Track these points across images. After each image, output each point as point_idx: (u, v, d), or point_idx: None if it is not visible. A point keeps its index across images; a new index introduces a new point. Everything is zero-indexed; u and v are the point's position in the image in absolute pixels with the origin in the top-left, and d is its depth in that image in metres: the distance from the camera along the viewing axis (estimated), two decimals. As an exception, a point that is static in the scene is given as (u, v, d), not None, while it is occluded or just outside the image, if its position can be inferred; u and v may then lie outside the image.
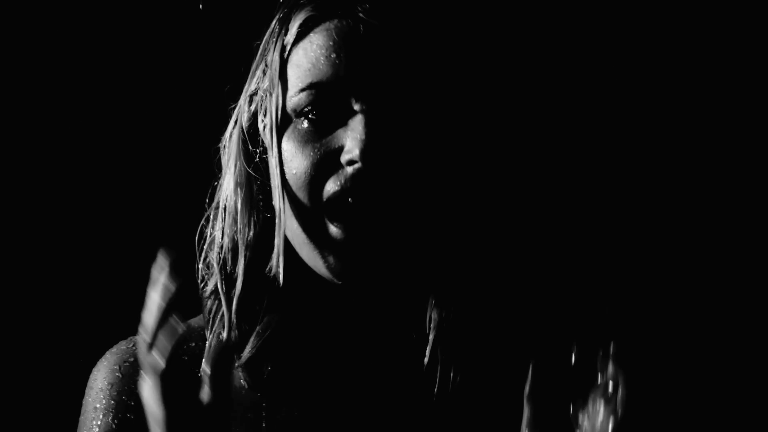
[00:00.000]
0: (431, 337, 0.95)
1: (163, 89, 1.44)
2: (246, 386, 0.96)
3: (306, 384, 0.97)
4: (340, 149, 0.91)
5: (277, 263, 0.95)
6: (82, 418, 0.99)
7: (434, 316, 0.96)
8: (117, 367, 0.98)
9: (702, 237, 1.44)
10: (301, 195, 0.92)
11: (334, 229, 0.91)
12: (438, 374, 0.95)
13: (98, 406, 0.97)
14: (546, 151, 1.41)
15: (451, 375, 0.95)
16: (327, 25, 0.93)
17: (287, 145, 0.94)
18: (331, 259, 0.91)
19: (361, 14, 0.91)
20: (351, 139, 0.89)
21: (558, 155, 1.42)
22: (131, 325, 1.06)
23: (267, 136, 0.96)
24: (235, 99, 1.03)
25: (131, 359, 0.98)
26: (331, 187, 0.90)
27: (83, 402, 0.99)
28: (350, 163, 0.89)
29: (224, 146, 1.02)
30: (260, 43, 1.01)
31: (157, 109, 1.44)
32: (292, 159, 0.93)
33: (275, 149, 0.94)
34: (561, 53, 1.43)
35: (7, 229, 1.43)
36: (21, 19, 1.44)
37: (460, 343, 0.96)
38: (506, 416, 0.96)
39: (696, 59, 1.44)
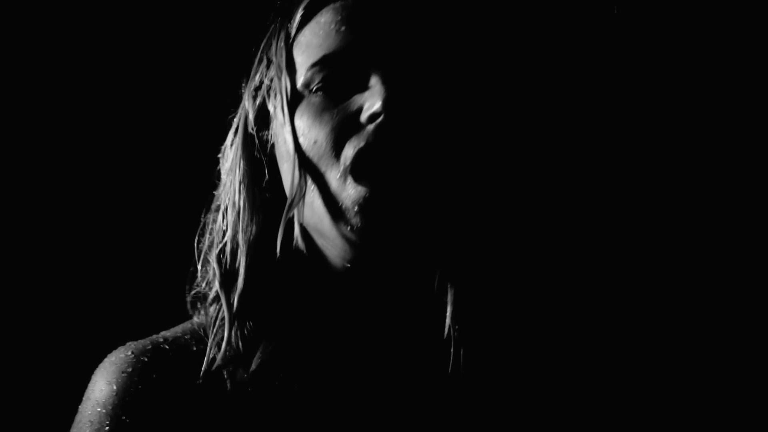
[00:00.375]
0: (449, 310, 0.92)
1: (163, 93, 1.45)
2: (256, 396, 0.94)
3: (320, 391, 0.94)
4: (359, 111, 0.90)
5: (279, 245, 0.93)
6: (78, 426, 0.96)
7: (450, 290, 0.93)
8: (115, 379, 0.95)
9: (702, 237, 1.44)
10: (323, 163, 0.90)
11: (359, 188, 0.88)
12: (453, 356, 0.93)
13: (93, 420, 0.94)
14: (570, 112, 1.34)
15: (466, 357, 0.93)
16: (333, 5, 0.94)
17: (302, 119, 0.93)
18: (356, 219, 0.88)
19: None
20: (371, 97, 0.89)
21: (580, 115, 1.36)
22: (129, 326, 1.08)
23: (279, 115, 0.95)
24: (235, 107, 1.04)
25: (129, 369, 0.96)
26: (352, 147, 0.89)
27: (79, 408, 0.98)
28: (372, 118, 0.88)
29: (224, 154, 1.02)
30: (258, 49, 1.02)
31: (156, 115, 1.45)
32: (310, 130, 0.91)
33: (288, 126, 0.93)
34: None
35: (5, 230, 1.43)
36: (22, 22, 1.43)
37: (476, 321, 0.94)
38: (521, 400, 0.96)
39: (698, 59, 1.43)
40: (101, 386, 0.96)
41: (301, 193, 0.92)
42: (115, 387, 0.95)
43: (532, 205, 1.00)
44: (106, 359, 0.99)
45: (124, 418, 0.93)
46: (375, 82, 0.90)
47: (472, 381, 0.94)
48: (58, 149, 1.44)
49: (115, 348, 1.00)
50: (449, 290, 0.93)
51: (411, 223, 0.89)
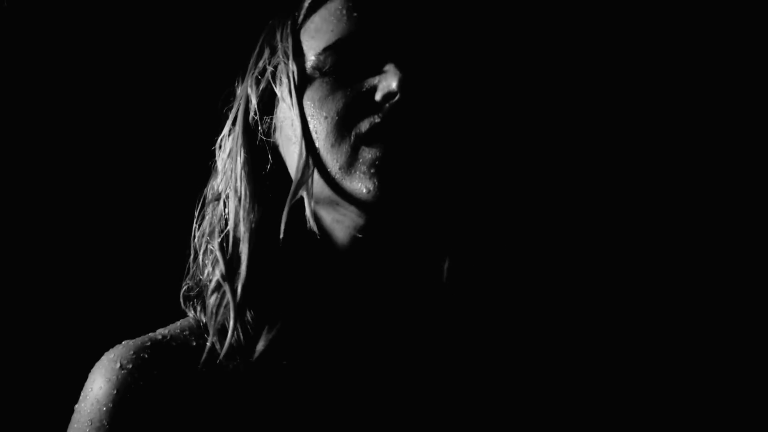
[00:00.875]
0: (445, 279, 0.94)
1: (157, 88, 1.44)
2: (261, 381, 0.94)
3: (324, 375, 0.95)
4: (372, 90, 0.91)
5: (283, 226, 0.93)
6: (77, 424, 0.95)
7: (447, 264, 0.95)
8: (114, 376, 0.95)
9: (701, 236, 1.44)
10: (333, 136, 0.91)
11: (373, 150, 0.90)
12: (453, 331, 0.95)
13: (93, 418, 0.94)
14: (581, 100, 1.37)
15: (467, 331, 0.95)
16: None
17: (312, 99, 0.93)
18: (372, 180, 0.89)
19: None
20: (387, 77, 0.90)
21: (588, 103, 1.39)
22: (122, 324, 1.08)
23: (287, 98, 0.96)
24: (229, 101, 1.04)
25: (129, 366, 0.95)
26: (366, 124, 0.90)
27: (76, 407, 0.97)
28: (387, 97, 0.90)
29: (222, 145, 1.03)
30: (257, 41, 1.03)
31: (147, 110, 1.44)
32: (321, 108, 0.92)
33: (296, 108, 0.94)
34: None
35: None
36: (17, 18, 1.43)
37: (476, 297, 0.96)
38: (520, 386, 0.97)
39: (698, 59, 1.43)
40: (100, 384, 0.95)
41: (309, 172, 0.93)
42: (115, 384, 0.94)
43: (530, 187, 1.02)
44: (104, 357, 0.98)
45: (125, 415, 0.93)
46: (390, 65, 0.91)
47: (470, 356, 0.95)
48: (51, 144, 1.43)
49: (109, 346, 1.00)
50: (446, 260, 0.95)
51: (423, 185, 0.90)
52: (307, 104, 0.94)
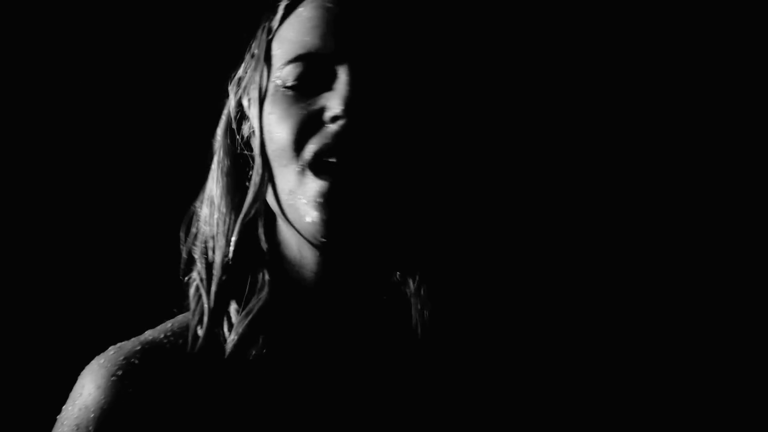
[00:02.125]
0: (414, 303, 0.96)
1: (154, 86, 1.44)
2: (234, 372, 0.94)
3: (294, 365, 0.95)
4: (323, 110, 0.91)
5: (237, 233, 0.96)
6: (62, 428, 0.94)
7: (413, 283, 0.96)
8: (104, 382, 0.94)
9: (698, 236, 1.44)
10: (285, 157, 0.92)
11: (320, 183, 0.90)
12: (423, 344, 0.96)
13: (80, 424, 0.93)
14: (534, 116, 1.42)
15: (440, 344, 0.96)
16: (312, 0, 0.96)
17: (272, 114, 0.94)
18: (316, 214, 0.90)
19: None
20: (334, 98, 0.90)
21: (544, 122, 1.43)
22: (113, 325, 1.08)
23: (252, 109, 0.97)
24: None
25: (119, 372, 0.94)
26: (314, 145, 0.91)
27: (63, 409, 0.96)
28: (334, 119, 0.90)
29: (216, 142, 1.03)
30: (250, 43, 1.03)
31: (149, 106, 1.44)
32: (277, 124, 0.93)
33: (257, 120, 0.95)
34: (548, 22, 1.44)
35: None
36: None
37: (444, 310, 0.96)
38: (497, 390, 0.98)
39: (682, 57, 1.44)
40: (90, 390, 0.94)
41: (263, 191, 0.95)
42: (104, 391, 0.93)
43: (477, 197, 1.04)
44: (93, 362, 0.97)
45: (113, 422, 0.92)
46: (340, 83, 0.91)
47: (435, 350, 0.96)
48: (46, 143, 1.43)
49: (98, 347, 0.99)
50: (410, 279, 0.96)
51: (369, 215, 0.91)
52: (269, 119, 0.94)
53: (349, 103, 0.89)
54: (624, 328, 1.40)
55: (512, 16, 1.42)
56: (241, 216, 0.96)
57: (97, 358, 0.97)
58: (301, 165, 0.91)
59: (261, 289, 0.96)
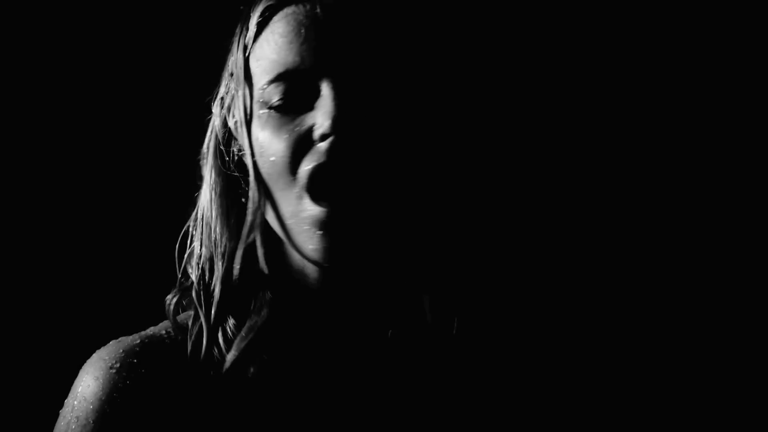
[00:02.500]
0: (429, 315, 0.96)
1: (149, 96, 1.45)
2: (232, 387, 0.95)
3: (292, 383, 0.96)
4: (312, 129, 0.91)
5: (237, 261, 0.96)
6: (63, 421, 0.96)
7: (428, 298, 0.96)
8: (102, 374, 0.95)
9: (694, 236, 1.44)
10: (282, 180, 0.92)
11: (318, 209, 0.90)
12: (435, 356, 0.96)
13: (79, 416, 0.94)
14: (520, 127, 1.41)
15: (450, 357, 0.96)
16: (286, 11, 0.94)
17: (261, 136, 0.94)
18: (318, 241, 0.90)
19: None
20: (321, 115, 0.90)
21: (531, 129, 1.42)
22: (116, 321, 1.09)
23: (239, 132, 0.97)
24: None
25: (117, 365, 0.96)
26: (307, 165, 0.90)
27: (65, 402, 0.97)
28: (323, 138, 0.89)
29: (203, 157, 1.03)
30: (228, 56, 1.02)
31: (144, 116, 1.45)
32: (269, 147, 0.93)
33: (247, 143, 0.95)
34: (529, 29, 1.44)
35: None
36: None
37: (456, 326, 0.96)
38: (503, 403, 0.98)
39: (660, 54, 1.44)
40: (88, 382, 0.96)
41: (260, 215, 0.95)
42: (102, 384, 0.95)
43: (473, 205, 1.04)
44: (94, 355, 0.99)
45: (110, 414, 0.93)
46: (326, 99, 0.90)
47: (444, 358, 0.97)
48: (44, 146, 1.45)
49: (102, 343, 1.00)
50: (423, 294, 0.97)
51: (369, 240, 0.91)
52: (259, 141, 0.94)
53: (336, 119, 0.88)
54: (626, 330, 1.40)
55: (496, 24, 1.42)
56: (241, 243, 0.95)
57: (98, 351, 0.99)
58: (299, 189, 0.91)
59: (262, 308, 0.96)
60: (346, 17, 0.92)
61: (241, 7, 0.99)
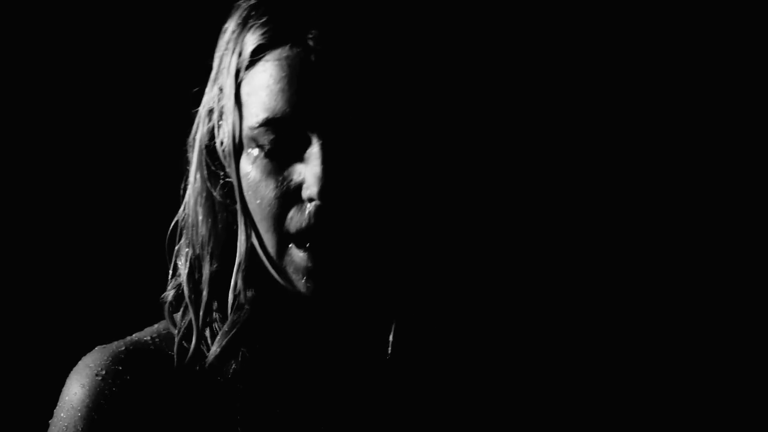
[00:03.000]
0: (391, 339, 0.98)
1: (140, 88, 1.44)
2: (215, 382, 0.96)
3: (274, 378, 0.97)
4: (302, 183, 0.91)
5: (234, 285, 0.97)
6: (53, 429, 0.97)
7: (395, 323, 0.98)
8: (88, 381, 0.96)
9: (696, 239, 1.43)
10: (267, 224, 0.93)
11: (301, 255, 0.92)
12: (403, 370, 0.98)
13: (68, 424, 0.95)
14: (507, 168, 1.43)
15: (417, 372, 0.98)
16: (278, 53, 0.91)
17: (250, 173, 0.94)
18: (300, 281, 0.93)
19: (310, 42, 0.90)
20: (309, 176, 0.90)
21: (520, 172, 1.44)
22: (103, 327, 1.09)
23: (226, 160, 0.96)
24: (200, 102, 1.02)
25: (103, 372, 0.97)
26: (295, 222, 0.92)
27: (54, 412, 0.98)
28: (311, 199, 0.90)
29: (189, 150, 1.02)
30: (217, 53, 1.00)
31: (135, 108, 1.44)
32: (256, 189, 0.93)
33: (234, 176, 0.95)
34: (514, 69, 1.45)
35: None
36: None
37: (422, 344, 0.99)
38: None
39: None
40: (75, 390, 0.96)
41: (250, 250, 0.96)
42: (89, 391, 0.96)
43: (450, 250, 1.05)
44: (80, 362, 0.99)
45: (98, 421, 0.94)
46: (314, 158, 0.90)
47: (404, 363, 0.99)
48: (39, 146, 1.44)
49: (91, 343, 1.01)
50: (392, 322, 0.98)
51: (350, 285, 0.94)
52: (247, 176, 0.94)
53: (323, 187, 0.88)
54: (615, 341, 1.41)
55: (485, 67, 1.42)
56: (235, 271, 0.97)
57: (83, 358, 0.99)
58: (285, 234, 0.92)
59: (243, 305, 0.97)
60: (340, 67, 0.90)
61: (236, 27, 0.96)
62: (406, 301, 0.98)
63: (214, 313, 0.98)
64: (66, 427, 0.95)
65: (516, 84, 1.44)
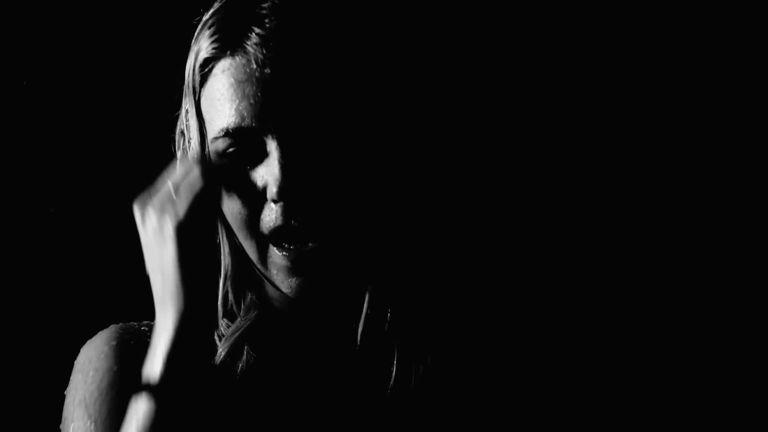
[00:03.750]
0: (360, 323, 1.01)
1: (140, 88, 1.44)
2: (222, 384, 0.99)
3: (279, 377, 1.01)
4: (266, 186, 0.94)
5: (224, 296, 1.02)
6: (74, 396, 1.00)
7: (366, 305, 1.01)
8: (107, 347, 1.01)
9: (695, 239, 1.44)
10: (244, 231, 0.97)
11: (280, 256, 0.95)
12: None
13: (96, 366, 1.00)
14: (464, 150, 1.44)
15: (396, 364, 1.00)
16: (223, 64, 0.95)
17: (220, 186, 0.97)
18: (283, 279, 0.96)
19: (249, 48, 0.93)
20: (269, 178, 0.93)
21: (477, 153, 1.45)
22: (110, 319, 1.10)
23: (198, 171, 0.97)
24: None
25: (115, 342, 1.01)
26: (266, 223, 0.95)
27: (71, 379, 1.02)
28: (275, 200, 0.94)
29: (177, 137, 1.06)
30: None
31: (135, 108, 1.45)
32: (227, 200, 0.97)
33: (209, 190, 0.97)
34: (465, 58, 1.45)
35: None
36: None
37: (398, 333, 1.01)
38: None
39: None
40: (93, 355, 1.01)
41: (234, 268, 1.02)
42: (108, 356, 1.00)
43: (422, 233, 1.07)
44: (95, 336, 1.04)
45: (124, 350, 1.01)
46: (272, 160, 0.93)
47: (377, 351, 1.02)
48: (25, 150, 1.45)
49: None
50: (369, 299, 1.02)
51: (330, 279, 0.97)
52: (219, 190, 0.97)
53: (282, 189, 0.92)
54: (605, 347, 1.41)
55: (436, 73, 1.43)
56: (221, 282, 1.02)
57: (98, 333, 1.04)
58: (260, 238, 0.96)
59: (250, 309, 1.03)
60: (282, 71, 0.93)
61: (201, 10, 1.00)
62: (390, 290, 1.01)
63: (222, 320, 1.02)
64: (96, 369, 1.00)
65: (470, 75, 1.45)
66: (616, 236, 1.44)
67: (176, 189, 0.93)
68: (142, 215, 0.95)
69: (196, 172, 0.94)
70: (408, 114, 1.07)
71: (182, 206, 0.92)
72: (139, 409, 0.89)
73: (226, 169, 0.96)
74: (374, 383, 1.00)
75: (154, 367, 0.90)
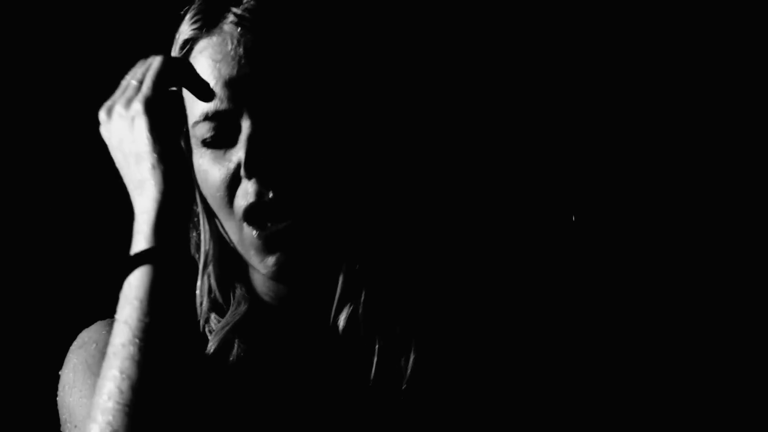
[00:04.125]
0: (334, 303, 1.01)
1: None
2: (213, 374, 1.00)
3: (269, 370, 1.01)
4: (239, 166, 0.96)
5: (203, 286, 1.04)
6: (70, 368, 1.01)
7: (340, 285, 1.01)
8: (95, 331, 1.02)
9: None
10: (223, 211, 0.99)
11: (253, 233, 0.97)
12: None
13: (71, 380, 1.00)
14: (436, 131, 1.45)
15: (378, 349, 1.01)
16: (202, 44, 0.97)
17: (201, 166, 0.99)
18: (260, 259, 0.98)
19: (225, 27, 0.95)
20: (240, 153, 0.95)
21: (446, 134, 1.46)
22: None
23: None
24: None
25: (94, 345, 1.01)
26: (240, 201, 0.97)
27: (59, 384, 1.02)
28: (246, 177, 0.95)
29: None
30: None
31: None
32: (206, 179, 0.98)
33: (192, 173, 0.99)
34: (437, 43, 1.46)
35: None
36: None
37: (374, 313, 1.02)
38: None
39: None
40: (84, 338, 1.02)
41: (213, 254, 1.04)
42: (108, 328, 0.97)
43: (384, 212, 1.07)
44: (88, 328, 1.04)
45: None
46: (243, 140, 0.95)
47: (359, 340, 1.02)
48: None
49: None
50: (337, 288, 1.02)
51: (302, 255, 0.98)
52: (199, 171, 0.99)
53: (249, 166, 0.93)
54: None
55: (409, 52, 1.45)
56: (200, 271, 1.03)
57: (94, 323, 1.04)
58: (238, 219, 0.97)
59: (240, 303, 1.03)
60: (256, 50, 0.95)
61: (182, 13, 1.02)
62: (365, 270, 1.01)
63: (210, 313, 1.04)
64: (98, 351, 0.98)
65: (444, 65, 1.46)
66: (599, 223, 1.45)
67: (139, 81, 0.93)
68: (108, 112, 0.94)
69: (156, 58, 0.93)
70: (381, 93, 1.08)
71: (147, 85, 0.91)
72: (132, 281, 0.87)
73: (206, 151, 0.97)
74: (360, 374, 1.01)
75: (139, 242, 0.89)
